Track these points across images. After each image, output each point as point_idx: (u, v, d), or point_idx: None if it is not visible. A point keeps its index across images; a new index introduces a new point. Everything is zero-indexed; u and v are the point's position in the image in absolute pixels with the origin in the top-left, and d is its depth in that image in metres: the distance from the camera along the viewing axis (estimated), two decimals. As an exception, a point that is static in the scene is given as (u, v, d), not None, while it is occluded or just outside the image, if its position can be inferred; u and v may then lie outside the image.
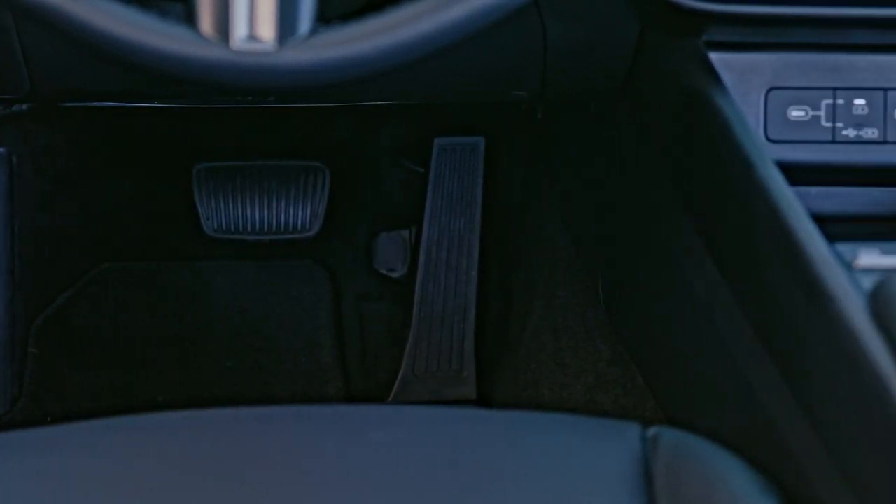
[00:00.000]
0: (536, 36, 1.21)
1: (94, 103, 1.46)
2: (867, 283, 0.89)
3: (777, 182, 1.00)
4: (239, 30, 0.87)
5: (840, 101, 1.15)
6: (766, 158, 1.03)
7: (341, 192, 1.74)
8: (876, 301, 0.85)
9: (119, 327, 1.71)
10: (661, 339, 1.32)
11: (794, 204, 0.97)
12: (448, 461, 0.96)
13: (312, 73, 0.88)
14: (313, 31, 0.89)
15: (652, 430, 0.99)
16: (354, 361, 1.73)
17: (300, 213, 1.70)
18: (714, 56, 1.14)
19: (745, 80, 1.14)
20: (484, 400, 1.68)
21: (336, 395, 1.69)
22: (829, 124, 1.15)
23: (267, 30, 0.88)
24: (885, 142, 1.16)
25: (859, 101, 1.15)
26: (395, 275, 1.76)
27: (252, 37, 0.88)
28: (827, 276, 0.90)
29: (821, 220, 1.07)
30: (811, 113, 1.15)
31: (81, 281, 1.72)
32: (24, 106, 1.65)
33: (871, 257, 0.95)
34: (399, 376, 1.68)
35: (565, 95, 1.39)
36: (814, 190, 1.18)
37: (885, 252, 0.96)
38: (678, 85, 1.16)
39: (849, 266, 0.95)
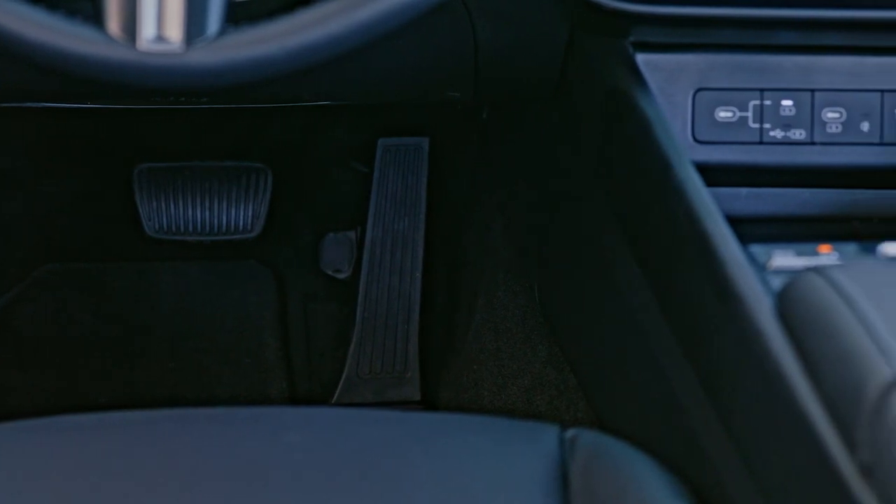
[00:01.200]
0: (467, 37, 1.21)
1: (27, 104, 1.46)
2: (777, 284, 0.89)
3: (694, 183, 1.00)
4: (146, 30, 0.87)
5: (767, 102, 1.15)
6: (685, 160, 1.02)
7: (286, 193, 1.74)
8: (782, 302, 0.85)
9: (62, 328, 1.70)
10: (592, 340, 1.32)
11: (709, 206, 0.97)
12: (361, 463, 0.96)
13: (220, 73, 0.88)
14: (222, 32, 0.88)
15: (570, 433, 0.99)
16: (299, 362, 1.72)
17: (242, 214, 1.70)
18: (641, 57, 1.14)
19: (672, 80, 1.14)
20: (428, 401, 1.67)
21: (280, 396, 1.68)
22: (756, 125, 1.15)
23: (174, 30, 0.87)
24: (812, 143, 1.16)
25: (787, 102, 1.15)
26: (341, 276, 1.75)
27: (160, 37, 0.87)
28: (737, 276, 0.89)
29: (746, 221, 1.07)
30: (739, 114, 1.15)
31: (24, 282, 1.72)
32: None
33: (784, 258, 0.95)
34: (343, 377, 1.68)
35: (500, 96, 1.38)
36: (743, 191, 1.18)
37: (800, 253, 0.96)
38: (604, 86, 1.16)
39: (763, 268, 0.95)
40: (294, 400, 1.69)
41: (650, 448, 0.99)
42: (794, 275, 0.86)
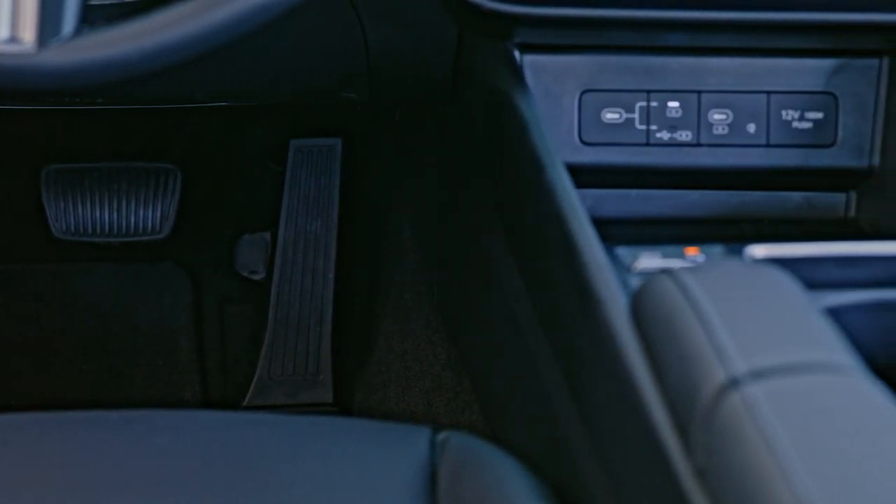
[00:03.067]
0: (357, 38, 1.20)
1: None
2: (635, 285, 0.89)
3: (563, 185, 0.99)
4: (0, 31, 0.86)
5: (654, 104, 1.15)
6: (557, 161, 1.02)
7: (201, 194, 1.73)
8: (635, 302, 0.85)
9: None
10: (482, 344, 1.31)
11: (575, 207, 0.97)
12: (228, 466, 0.95)
13: (74, 74, 0.87)
14: (77, 33, 0.88)
15: (442, 435, 0.99)
16: (213, 365, 1.71)
17: (150, 214, 1.69)
18: (528, 58, 1.14)
19: (559, 81, 1.14)
20: (341, 403, 1.67)
21: (193, 398, 1.67)
22: (643, 127, 1.15)
23: (28, 31, 0.87)
24: (698, 144, 1.16)
25: (673, 104, 1.15)
26: (256, 277, 1.74)
27: (13, 38, 0.87)
28: (596, 277, 0.89)
29: (621, 222, 1.07)
30: (625, 115, 1.15)
31: None
32: None
33: (649, 260, 0.95)
34: (255, 379, 1.67)
35: (396, 96, 1.38)
36: (633, 193, 1.18)
37: (666, 255, 0.96)
38: (489, 87, 1.16)
39: (627, 269, 0.95)
40: (207, 403, 1.68)
41: (526, 451, 0.98)
42: (647, 277, 0.86)
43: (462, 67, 1.23)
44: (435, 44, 1.22)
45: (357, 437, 1.00)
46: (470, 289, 1.34)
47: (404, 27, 1.21)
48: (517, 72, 1.12)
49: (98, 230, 1.68)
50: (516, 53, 1.13)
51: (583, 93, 1.15)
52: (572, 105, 1.14)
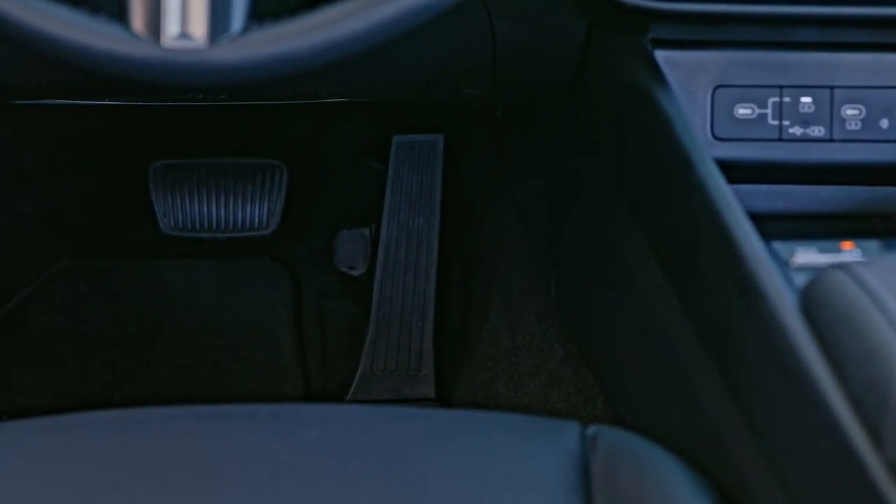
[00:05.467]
0: (485, 34, 1.21)
1: (44, 101, 1.46)
2: (801, 281, 0.89)
3: (715, 180, 1.00)
4: (171, 27, 0.87)
5: (787, 99, 1.15)
6: (706, 157, 1.02)
7: (301, 190, 1.74)
8: (806, 299, 0.85)
9: (75, 325, 1.71)
10: (609, 338, 1.31)
11: (731, 202, 0.97)
12: (381, 460, 0.96)
13: (244, 70, 0.88)
14: (246, 29, 0.88)
15: (591, 430, 0.99)
16: (314, 360, 1.72)
17: (257, 210, 1.70)
18: (660, 54, 1.14)
19: (691, 78, 1.14)
20: (443, 398, 1.67)
21: (294, 393, 1.68)
22: (775, 122, 1.15)
23: (199, 27, 0.87)
24: (831, 140, 1.15)
25: (806, 100, 1.15)
26: (355, 273, 1.75)
27: (184, 34, 0.87)
28: (760, 273, 0.89)
29: (768, 218, 1.07)
30: (758, 111, 1.15)
31: (38, 279, 1.72)
32: None
33: (807, 255, 0.95)
34: (357, 374, 1.68)
35: (517, 93, 1.38)
36: (763, 188, 1.18)
37: (823, 250, 0.96)
38: (622, 83, 1.16)
39: (785, 264, 0.95)
40: (309, 397, 1.69)
41: (670, 446, 0.98)
42: (819, 272, 0.86)
43: (588, 63, 1.23)
44: (562, 40, 1.22)
45: (507, 431, 1.00)
46: (593, 284, 1.34)
47: (533, 24, 1.21)
48: (655, 67, 1.12)
49: (205, 226, 1.69)
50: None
51: (716, 88, 1.14)
52: (705, 101, 1.14)
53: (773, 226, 1.01)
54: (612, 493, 0.92)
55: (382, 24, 0.89)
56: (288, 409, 1.06)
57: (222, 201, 1.69)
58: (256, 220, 1.70)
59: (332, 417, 1.02)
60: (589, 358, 1.39)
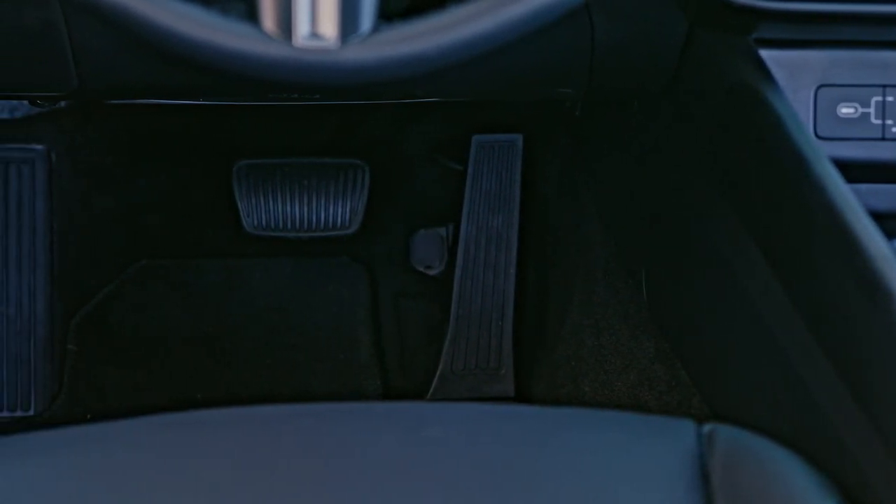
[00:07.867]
0: (585, 34, 1.21)
1: (140, 100, 1.46)
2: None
3: (834, 179, 1.00)
4: (301, 27, 0.88)
5: (890, 99, 1.15)
6: (822, 155, 1.02)
7: (379, 190, 1.74)
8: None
9: (157, 324, 1.72)
10: (708, 336, 1.31)
11: (851, 201, 0.97)
12: (502, 458, 0.96)
13: (375, 70, 0.88)
14: (375, 29, 0.89)
15: (707, 427, 0.99)
16: (392, 359, 1.73)
17: (340, 210, 1.70)
18: (765, 53, 1.14)
19: (794, 77, 1.14)
20: (522, 397, 1.68)
21: (374, 392, 1.69)
22: (878, 121, 1.15)
23: (329, 27, 0.88)
24: (934, 140, 1.16)
25: (909, 99, 1.15)
26: (432, 272, 1.76)
27: (315, 34, 0.88)
28: (887, 272, 0.89)
29: (886, 217, 1.07)
30: (861, 110, 1.15)
31: (120, 278, 1.73)
32: (63, 102, 1.65)
33: (930, 254, 0.95)
34: (437, 373, 1.68)
35: (611, 93, 1.39)
36: (864, 187, 1.18)
37: (942, 249, 0.96)
38: (727, 82, 1.16)
39: (909, 262, 0.95)
40: (387, 396, 1.70)
41: (789, 446, 0.98)
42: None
43: (687, 63, 1.24)
44: (662, 40, 1.23)
45: (620, 429, 1.01)
46: (689, 283, 1.34)
47: (634, 24, 1.21)
48: (762, 67, 1.12)
49: (288, 225, 1.70)
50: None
51: (818, 87, 1.15)
52: (808, 100, 1.14)
53: (886, 224, 1.01)
54: (734, 492, 0.92)
55: (511, 23, 0.89)
56: (405, 407, 1.06)
57: (305, 200, 1.70)
58: (339, 220, 1.70)
59: (450, 415, 1.03)
60: (685, 357, 1.39)
